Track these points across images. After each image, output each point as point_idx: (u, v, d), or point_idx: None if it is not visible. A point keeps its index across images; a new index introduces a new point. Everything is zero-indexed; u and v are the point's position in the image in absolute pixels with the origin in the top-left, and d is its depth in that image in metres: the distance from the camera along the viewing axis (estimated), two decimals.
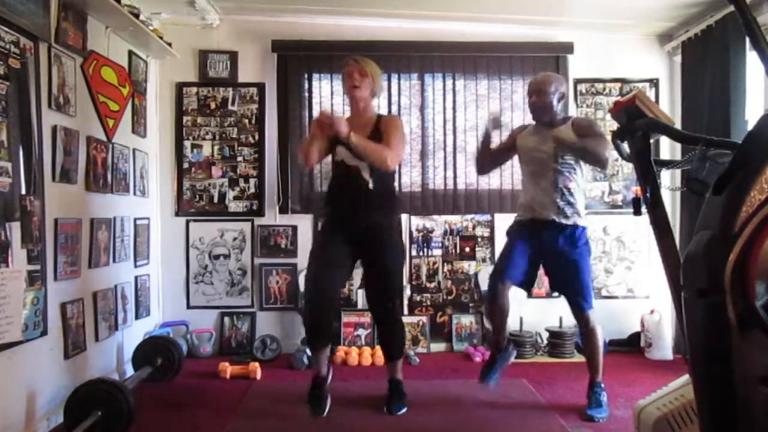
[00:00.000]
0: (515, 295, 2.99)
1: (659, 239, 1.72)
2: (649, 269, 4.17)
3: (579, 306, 2.85)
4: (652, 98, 4.04)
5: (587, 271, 2.87)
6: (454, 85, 4.22)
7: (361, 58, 2.85)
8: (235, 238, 4.16)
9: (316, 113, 4.12)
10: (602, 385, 2.87)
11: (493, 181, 4.21)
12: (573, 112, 4.26)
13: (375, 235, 2.81)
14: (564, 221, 2.82)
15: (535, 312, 4.05)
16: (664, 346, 3.90)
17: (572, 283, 2.85)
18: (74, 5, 2.92)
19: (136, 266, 3.71)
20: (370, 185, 2.77)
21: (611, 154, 2.54)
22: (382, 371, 3.64)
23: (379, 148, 2.70)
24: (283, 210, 4.13)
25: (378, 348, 3.91)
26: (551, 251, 2.87)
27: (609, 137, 2.64)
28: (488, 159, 3.12)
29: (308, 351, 3.75)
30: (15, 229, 2.40)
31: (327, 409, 2.81)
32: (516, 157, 3.12)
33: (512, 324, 3.98)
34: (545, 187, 2.86)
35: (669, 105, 4.23)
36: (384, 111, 4.18)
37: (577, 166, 2.88)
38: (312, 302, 2.81)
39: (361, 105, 2.86)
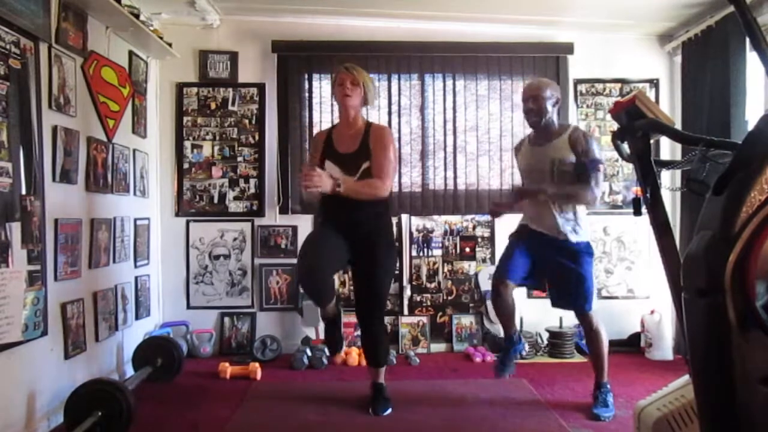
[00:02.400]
0: (515, 295, 2.99)
1: (659, 239, 1.72)
2: (649, 269, 4.17)
3: (581, 309, 2.85)
4: (652, 98, 4.04)
5: (590, 278, 2.85)
6: (454, 85, 4.22)
7: (353, 66, 2.79)
8: (235, 239, 4.16)
9: (316, 114, 4.14)
10: (608, 386, 2.88)
11: (493, 181, 4.22)
12: (573, 112, 4.27)
13: (370, 238, 2.80)
14: (564, 239, 2.82)
15: (535, 312, 4.05)
16: (664, 347, 3.90)
17: (574, 290, 2.83)
18: (74, 5, 2.92)
19: (136, 266, 3.71)
20: (356, 201, 2.72)
21: (598, 193, 2.73)
22: None
23: (370, 186, 2.71)
24: (283, 210, 4.14)
25: None
26: (552, 263, 2.87)
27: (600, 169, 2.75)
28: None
29: (308, 351, 3.76)
30: (15, 230, 2.40)
31: (344, 347, 2.89)
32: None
33: None
34: (543, 204, 2.85)
35: (669, 105, 4.23)
36: (384, 111, 4.19)
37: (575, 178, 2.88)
38: (309, 263, 2.69)
39: (351, 113, 2.81)
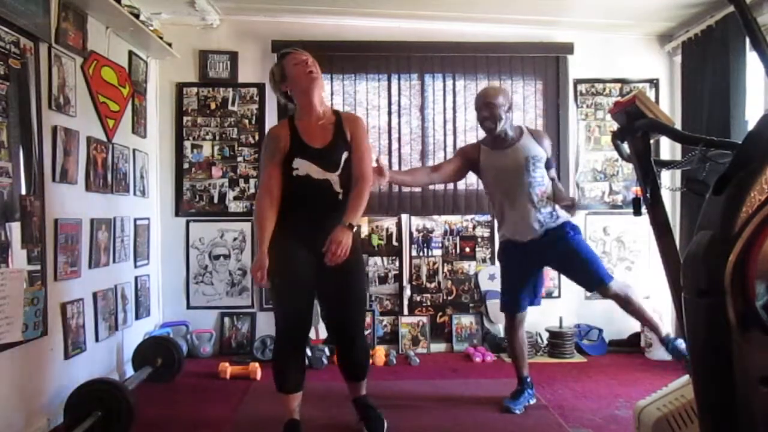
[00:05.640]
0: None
1: (659, 239, 1.72)
2: (649, 269, 4.16)
3: (599, 284, 2.80)
4: (652, 98, 4.04)
5: (587, 249, 2.89)
6: (454, 85, 4.22)
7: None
8: (235, 239, 4.16)
9: None
10: (671, 336, 2.76)
11: None
12: (573, 112, 4.27)
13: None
14: (547, 228, 2.86)
15: (535, 312, 3.99)
16: None
17: (581, 268, 2.84)
18: (74, 5, 2.92)
19: (136, 266, 3.71)
20: (341, 197, 2.41)
21: None
22: (380, 371, 3.65)
23: (363, 198, 2.39)
24: None
25: (377, 348, 3.92)
26: (548, 256, 2.90)
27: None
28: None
29: (307, 351, 3.74)
30: (15, 230, 2.40)
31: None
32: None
33: None
34: (522, 205, 2.86)
35: (669, 105, 4.23)
36: (384, 111, 4.19)
37: (545, 173, 2.90)
38: (286, 340, 2.45)
39: (317, 99, 2.42)
